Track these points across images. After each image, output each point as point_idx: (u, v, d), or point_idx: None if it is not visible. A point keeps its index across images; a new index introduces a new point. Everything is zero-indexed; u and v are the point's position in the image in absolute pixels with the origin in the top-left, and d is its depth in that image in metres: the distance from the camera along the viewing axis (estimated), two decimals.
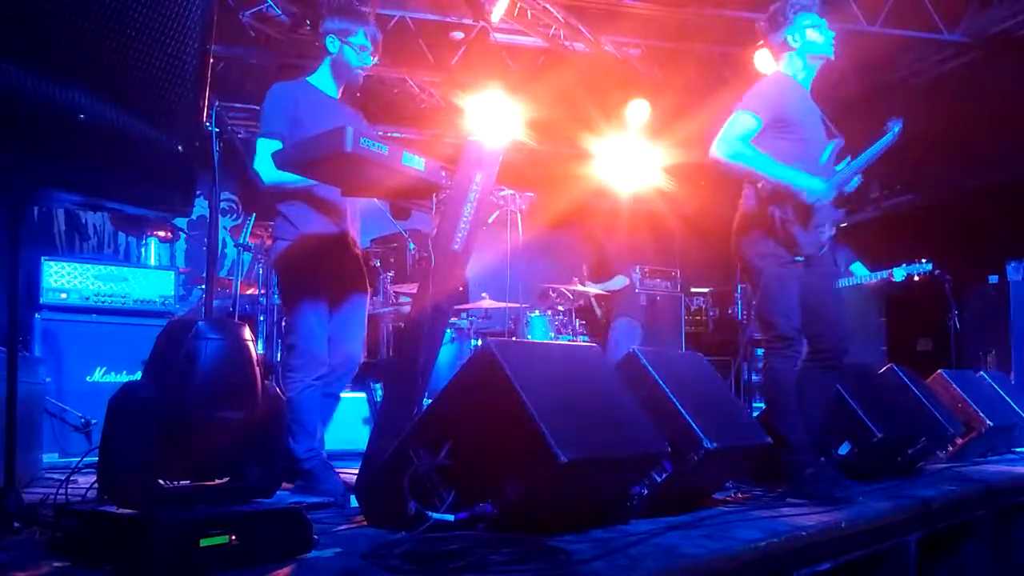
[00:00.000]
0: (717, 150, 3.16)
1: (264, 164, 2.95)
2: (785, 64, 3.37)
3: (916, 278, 5.89)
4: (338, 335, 3.15)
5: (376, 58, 3.21)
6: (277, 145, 2.98)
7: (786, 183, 3.12)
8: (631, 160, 7.99)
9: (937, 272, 6.26)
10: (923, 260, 5.88)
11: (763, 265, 3.18)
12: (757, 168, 3.13)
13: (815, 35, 3.30)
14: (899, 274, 5.91)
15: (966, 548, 3.06)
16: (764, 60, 6.96)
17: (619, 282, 6.65)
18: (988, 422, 4.17)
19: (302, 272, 3.06)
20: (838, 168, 3.32)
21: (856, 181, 3.42)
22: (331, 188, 3.04)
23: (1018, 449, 4.75)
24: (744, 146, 3.12)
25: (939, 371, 4.43)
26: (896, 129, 3.42)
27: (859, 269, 6.19)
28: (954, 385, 4.31)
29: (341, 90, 3.28)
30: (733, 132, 3.14)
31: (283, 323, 5.43)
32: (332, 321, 3.13)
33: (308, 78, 3.26)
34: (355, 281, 3.21)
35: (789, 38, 3.32)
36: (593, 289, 6.55)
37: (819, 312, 3.19)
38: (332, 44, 3.16)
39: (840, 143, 3.38)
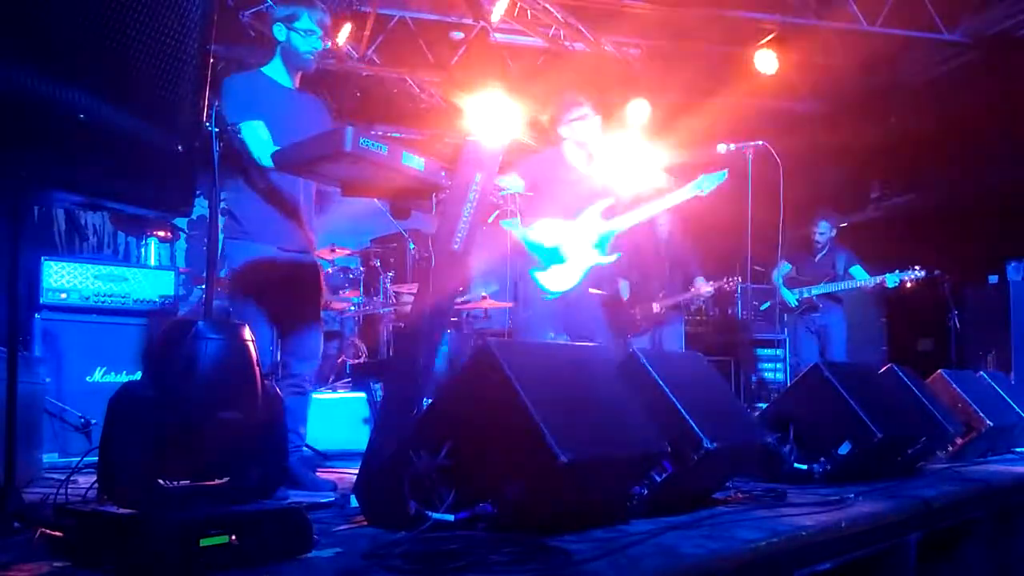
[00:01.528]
0: None
1: (259, 148, 2.93)
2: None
3: (909, 284, 5.84)
4: (297, 349, 3.16)
5: (327, 42, 3.13)
6: (260, 124, 2.95)
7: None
8: (631, 160, 7.98)
9: (937, 272, 6.24)
10: (916, 267, 5.81)
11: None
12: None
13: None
14: (892, 280, 5.84)
15: (966, 548, 3.06)
16: (764, 60, 6.98)
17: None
18: (988, 422, 4.17)
19: (248, 285, 3.02)
20: (607, 221, 4.09)
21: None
22: (282, 194, 3.04)
23: (1018, 449, 4.75)
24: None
25: (939, 371, 4.42)
26: (702, 186, 4.13)
27: (858, 273, 6.15)
28: (954, 385, 4.31)
29: (297, 79, 3.19)
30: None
31: None
32: (289, 336, 3.13)
33: (263, 68, 3.18)
34: (309, 292, 3.19)
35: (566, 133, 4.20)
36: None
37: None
38: (279, 32, 3.09)
39: (609, 202, 4.19)
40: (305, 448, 3.30)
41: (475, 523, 1.94)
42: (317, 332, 3.25)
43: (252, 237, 3.05)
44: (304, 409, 3.24)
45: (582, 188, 4.11)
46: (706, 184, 4.11)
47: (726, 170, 4.11)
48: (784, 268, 6.33)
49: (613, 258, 4.06)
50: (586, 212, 4.04)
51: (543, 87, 7.33)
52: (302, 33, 3.07)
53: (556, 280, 3.95)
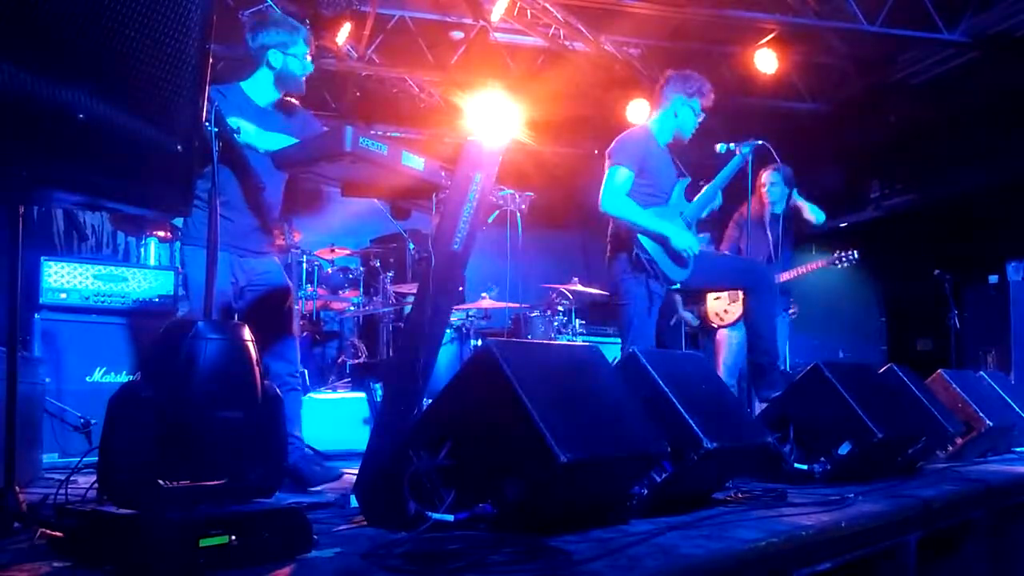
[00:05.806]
0: (607, 207, 3.76)
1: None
2: (656, 121, 3.99)
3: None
4: (276, 349, 3.11)
5: (311, 57, 3.17)
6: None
7: (657, 232, 3.74)
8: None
9: (937, 272, 6.21)
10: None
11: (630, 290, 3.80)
12: (638, 222, 3.75)
13: (691, 119, 3.96)
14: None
15: (966, 548, 3.06)
16: (764, 60, 6.98)
17: None
18: (988, 422, 4.17)
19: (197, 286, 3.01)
20: (691, 204, 3.99)
21: (718, 201, 4.11)
22: (240, 190, 3.04)
23: (1018, 449, 4.75)
24: (628, 203, 3.75)
25: (939, 371, 4.42)
26: (747, 151, 3.98)
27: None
28: (954, 385, 4.31)
29: (281, 96, 3.20)
30: (616, 188, 3.74)
31: None
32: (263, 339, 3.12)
33: (241, 83, 3.17)
34: (271, 290, 3.17)
35: (676, 110, 3.94)
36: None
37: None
38: (275, 58, 3.10)
39: (687, 182, 4.02)
40: (307, 449, 3.30)
41: (475, 523, 1.94)
42: (288, 334, 3.19)
43: (200, 243, 2.98)
44: (295, 408, 3.18)
45: (667, 166, 3.99)
46: (747, 149, 4.03)
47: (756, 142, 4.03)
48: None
49: (704, 239, 4.05)
50: (675, 194, 3.96)
51: (543, 87, 7.34)
52: (300, 58, 3.11)
53: (674, 268, 3.83)
